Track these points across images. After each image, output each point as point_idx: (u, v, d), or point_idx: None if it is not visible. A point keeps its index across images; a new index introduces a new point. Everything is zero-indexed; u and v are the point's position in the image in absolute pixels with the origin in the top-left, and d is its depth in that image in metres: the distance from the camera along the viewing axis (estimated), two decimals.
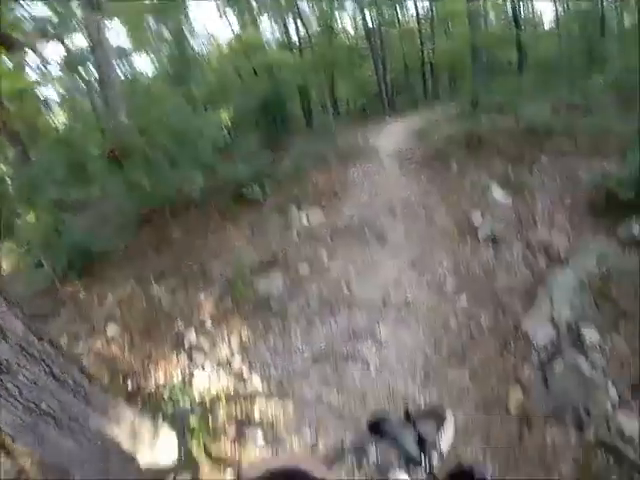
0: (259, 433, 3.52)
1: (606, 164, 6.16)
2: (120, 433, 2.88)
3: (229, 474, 3.24)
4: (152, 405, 3.77)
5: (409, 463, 1.20)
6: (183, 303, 5.27)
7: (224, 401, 3.86)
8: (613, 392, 3.36)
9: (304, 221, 6.56)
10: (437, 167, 7.79)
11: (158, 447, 3.17)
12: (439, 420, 2.09)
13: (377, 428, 1.25)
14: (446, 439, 1.84)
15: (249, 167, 7.91)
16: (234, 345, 4.47)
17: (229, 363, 4.26)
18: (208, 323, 4.80)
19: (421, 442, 1.25)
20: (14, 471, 3.46)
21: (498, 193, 5.21)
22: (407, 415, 1.32)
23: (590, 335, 3.79)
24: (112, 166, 6.74)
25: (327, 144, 9.65)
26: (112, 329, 5.00)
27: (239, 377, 4.13)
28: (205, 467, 3.27)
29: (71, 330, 5.18)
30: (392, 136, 10.72)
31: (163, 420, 3.47)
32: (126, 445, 2.90)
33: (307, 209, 6.88)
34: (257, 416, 3.71)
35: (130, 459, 2.92)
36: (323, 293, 4.99)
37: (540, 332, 3.99)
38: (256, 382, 4.07)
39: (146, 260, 6.68)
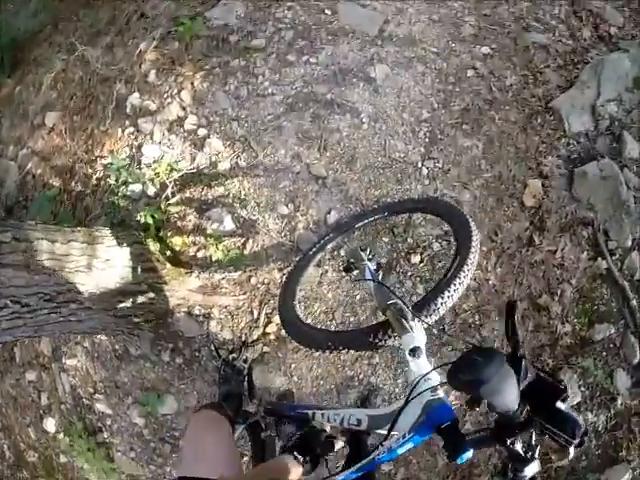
0: (226, 215, 2.85)
1: None
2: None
3: (195, 278, 2.79)
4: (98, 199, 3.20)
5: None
6: (121, 60, 3.93)
7: (178, 176, 3.05)
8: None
9: None
10: None
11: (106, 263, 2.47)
12: (460, 230, 1.74)
13: None
14: (472, 267, 1.52)
15: None
16: (186, 99, 3.35)
17: (182, 125, 3.26)
18: (152, 77, 3.56)
19: None
20: None
21: None
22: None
23: (632, 145, 3.00)
24: None
25: None
26: (51, 118, 3.97)
27: (196, 142, 3.17)
28: (167, 273, 2.76)
29: (13, 136, 4.09)
30: None
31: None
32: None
33: None
34: (222, 191, 2.98)
35: None
36: (299, 19, 3.53)
37: (576, 118, 3.09)
38: (217, 145, 3.09)
39: (77, 22, 4.96)
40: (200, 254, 2.83)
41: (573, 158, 3.04)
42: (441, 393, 1.07)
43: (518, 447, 0.86)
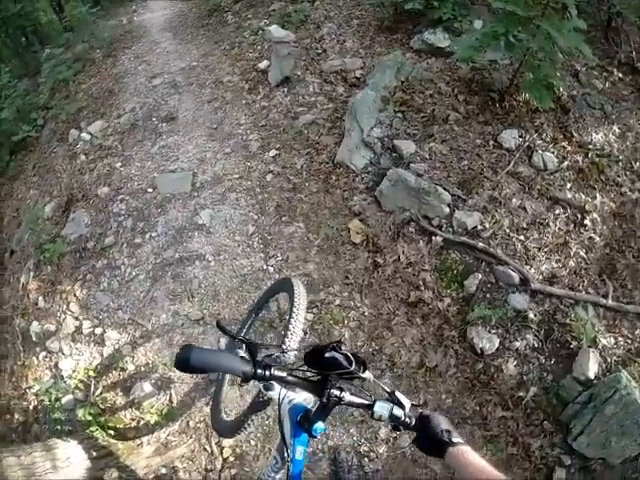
0: (145, 383, 3.15)
1: None
2: None
3: (147, 445, 2.95)
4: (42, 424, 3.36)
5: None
6: (10, 298, 4.37)
7: (96, 373, 3.40)
8: (445, 194, 3.39)
9: (87, 138, 5.36)
10: (214, 25, 6.91)
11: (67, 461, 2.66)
12: (289, 292, 2.21)
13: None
14: (300, 311, 2.04)
15: (8, 107, 6.31)
16: (75, 310, 3.78)
17: (81, 332, 3.65)
18: (41, 302, 4.00)
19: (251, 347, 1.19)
20: None
21: (278, 32, 4.63)
22: (221, 328, 1.26)
23: (406, 147, 3.72)
24: None
25: (89, 41, 7.84)
26: None
27: (97, 340, 3.56)
28: (122, 452, 2.89)
29: None
30: (161, 7, 9.24)
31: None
32: None
33: (86, 123, 5.65)
34: (133, 368, 3.30)
35: None
36: (131, 207, 4.23)
37: (356, 158, 3.82)
38: (113, 335, 3.51)
39: None
40: (140, 424, 3.04)
41: (370, 186, 3.73)
42: (294, 398, 1.39)
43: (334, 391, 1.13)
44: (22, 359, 3.83)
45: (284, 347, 1.86)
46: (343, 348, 1.14)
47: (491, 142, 3.71)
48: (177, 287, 3.55)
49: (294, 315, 2.04)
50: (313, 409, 1.24)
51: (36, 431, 3.42)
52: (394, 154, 3.78)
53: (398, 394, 1.14)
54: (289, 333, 1.96)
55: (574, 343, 2.82)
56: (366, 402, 1.15)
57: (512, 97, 3.90)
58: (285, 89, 4.70)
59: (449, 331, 3.05)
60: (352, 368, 1.10)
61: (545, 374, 2.82)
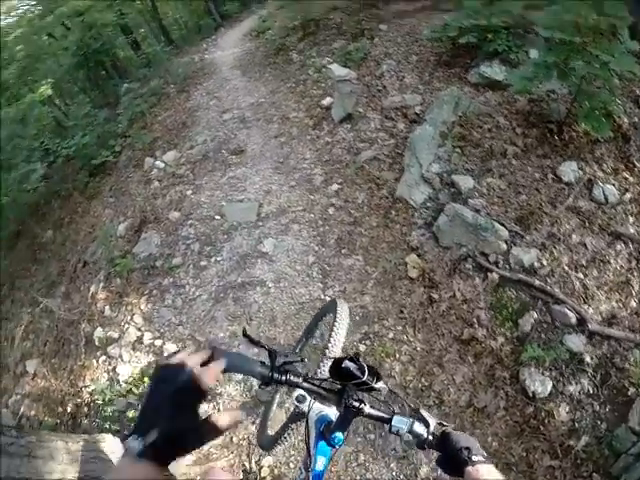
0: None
1: (446, 17, 6.08)
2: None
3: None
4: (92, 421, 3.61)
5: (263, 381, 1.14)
6: (80, 304, 4.74)
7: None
8: (502, 230, 3.38)
9: (161, 166, 5.84)
10: (280, 63, 7.30)
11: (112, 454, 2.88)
12: (333, 312, 2.21)
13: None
14: (340, 331, 2.04)
15: (90, 133, 6.94)
16: (139, 322, 4.07)
17: (141, 342, 3.91)
18: (107, 311, 4.34)
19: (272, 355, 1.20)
20: None
21: (340, 70, 4.88)
22: (246, 336, 1.24)
23: (464, 182, 3.77)
24: None
25: (164, 77, 8.57)
26: (31, 365, 4.57)
27: (156, 351, 3.79)
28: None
29: None
30: (230, 46, 9.84)
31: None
32: None
33: (161, 152, 6.15)
34: None
35: None
36: (199, 232, 4.54)
37: (416, 193, 3.92)
38: (172, 348, 3.72)
39: (32, 277, 6.09)
40: None
41: (429, 221, 3.79)
42: (324, 410, 1.43)
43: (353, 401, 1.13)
44: (82, 360, 4.15)
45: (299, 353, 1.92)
46: (360, 360, 1.14)
47: (550, 176, 3.67)
48: (237, 309, 3.76)
49: (333, 333, 2.05)
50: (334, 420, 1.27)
51: (85, 426, 3.66)
52: (452, 189, 3.84)
53: (423, 411, 1.14)
54: (326, 352, 1.98)
55: (632, 390, 2.67)
56: (385, 416, 1.15)
57: (571, 128, 3.84)
58: (348, 125, 4.91)
59: (501, 371, 2.99)
60: (364, 378, 1.09)
61: (599, 422, 2.67)
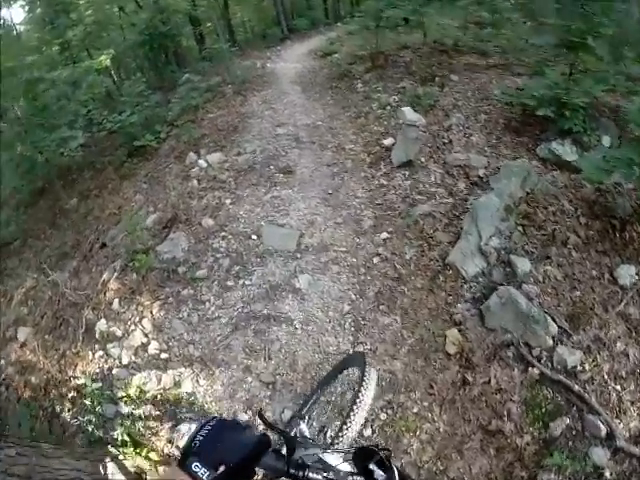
0: (191, 425, 3.12)
1: (519, 80, 5.94)
2: None
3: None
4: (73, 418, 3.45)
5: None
6: (88, 286, 4.54)
7: (149, 396, 3.41)
8: (552, 325, 3.19)
9: (203, 165, 5.66)
10: (343, 89, 7.16)
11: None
12: (361, 369, 2.03)
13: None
14: (365, 399, 1.85)
15: (138, 113, 6.79)
16: (147, 327, 3.86)
17: (146, 350, 3.70)
18: (116, 305, 4.13)
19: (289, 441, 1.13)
20: None
21: (411, 115, 4.69)
22: (262, 418, 1.23)
23: (522, 264, 3.55)
24: None
25: (222, 75, 8.53)
26: (23, 333, 4.45)
27: (160, 365, 3.59)
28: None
29: None
30: (293, 60, 9.82)
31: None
32: None
33: (205, 151, 5.98)
34: (187, 407, 3.30)
35: None
36: (231, 247, 4.32)
37: (469, 264, 3.68)
38: (178, 367, 3.52)
39: (45, 241, 5.92)
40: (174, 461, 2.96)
41: (477, 297, 3.55)
42: None
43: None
44: (78, 348, 3.95)
45: (333, 441, 1.74)
46: (390, 461, 1.03)
47: (606, 276, 3.49)
48: (256, 343, 3.52)
49: (358, 401, 1.84)
50: None
51: (64, 420, 3.53)
52: (508, 269, 3.63)
53: None
54: (348, 422, 1.80)
55: None
56: None
57: (633, 228, 3.67)
58: (406, 172, 4.70)
59: (520, 470, 2.80)
60: None
61: None
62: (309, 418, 2.41)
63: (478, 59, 6.92)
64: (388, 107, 5.93)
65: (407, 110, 4.74)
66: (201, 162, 5.67)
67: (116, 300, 4.15)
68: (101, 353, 3.82)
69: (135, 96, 7.26)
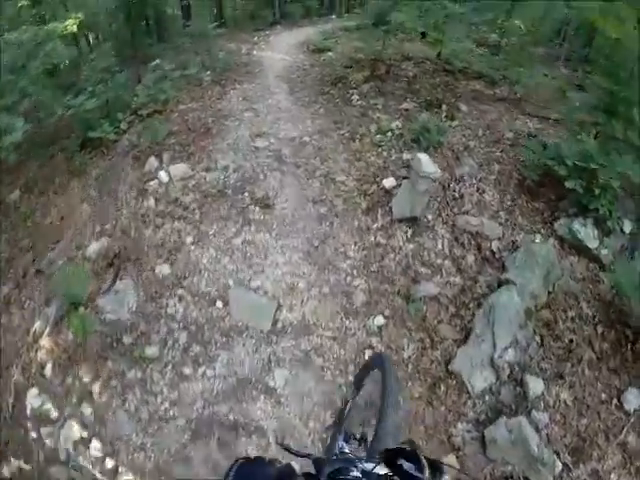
0: None
1: (530, 123, 5.34)
2: None
3: None
4: None
5: None
6: (18, 329, 3.76)
7: None
8: (558, 465, 2.82)
9: (164, 179, 4.71)
10: (336, 97, 6.26)
11: None
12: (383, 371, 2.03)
13: None
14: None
15: (98, 95, 5.50)
16: (86, 413, 3.13)
17: (87, 447, 2.99)
18: (49, 371, 3.36)
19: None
20: None
21: (429, 166, 3.84)
22: (283, 446, 1.28)
23: (534, 385, 3.06)
24: None
25: (202, 56, 7.41)
26: None
27: (106, 473, 2.91)
28: None
29: None
30: (282, 50, 8.72)
31: None
32: None
33: (169, 157, 4.99)
34: None
35: None
36: (190, 316, 3.51)
37: (477, 377, 3.12)
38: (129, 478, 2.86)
39: None
40: None
41: (481, 420, 3.03)
42: None
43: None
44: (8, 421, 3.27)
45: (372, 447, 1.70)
46: (418, 452, 1.00)
47: (614, 400, 3.15)
48: (221, 460, 2.81)
49: (385, 405, 1.79)
50: None
51: None
52: (518, 389, 3.14)
53: None
54: (377, 430, 1.73)
55: None
56: None
57: None
58: (409, 230, 3.99)
59: None
60: (425, 478, 0.93)
61: None
62: (346, 430, 2.24)
63: (486, 87, 6.32)
64: (389, 134, 5.16)
65: (424, 158, 3.91)
66: (162, 174, 4.71)
67: (49, 365, 3.38)
68: (35, 435, 3.11)
69: (99, 71, 6.01)
